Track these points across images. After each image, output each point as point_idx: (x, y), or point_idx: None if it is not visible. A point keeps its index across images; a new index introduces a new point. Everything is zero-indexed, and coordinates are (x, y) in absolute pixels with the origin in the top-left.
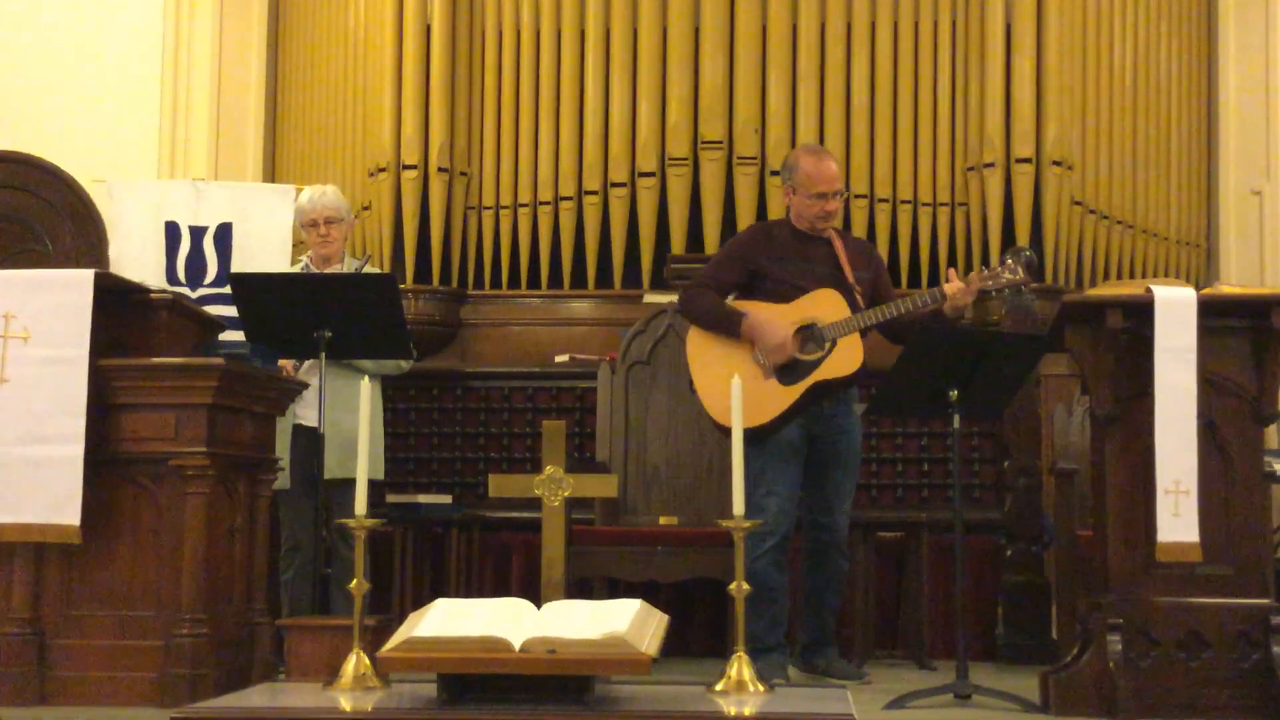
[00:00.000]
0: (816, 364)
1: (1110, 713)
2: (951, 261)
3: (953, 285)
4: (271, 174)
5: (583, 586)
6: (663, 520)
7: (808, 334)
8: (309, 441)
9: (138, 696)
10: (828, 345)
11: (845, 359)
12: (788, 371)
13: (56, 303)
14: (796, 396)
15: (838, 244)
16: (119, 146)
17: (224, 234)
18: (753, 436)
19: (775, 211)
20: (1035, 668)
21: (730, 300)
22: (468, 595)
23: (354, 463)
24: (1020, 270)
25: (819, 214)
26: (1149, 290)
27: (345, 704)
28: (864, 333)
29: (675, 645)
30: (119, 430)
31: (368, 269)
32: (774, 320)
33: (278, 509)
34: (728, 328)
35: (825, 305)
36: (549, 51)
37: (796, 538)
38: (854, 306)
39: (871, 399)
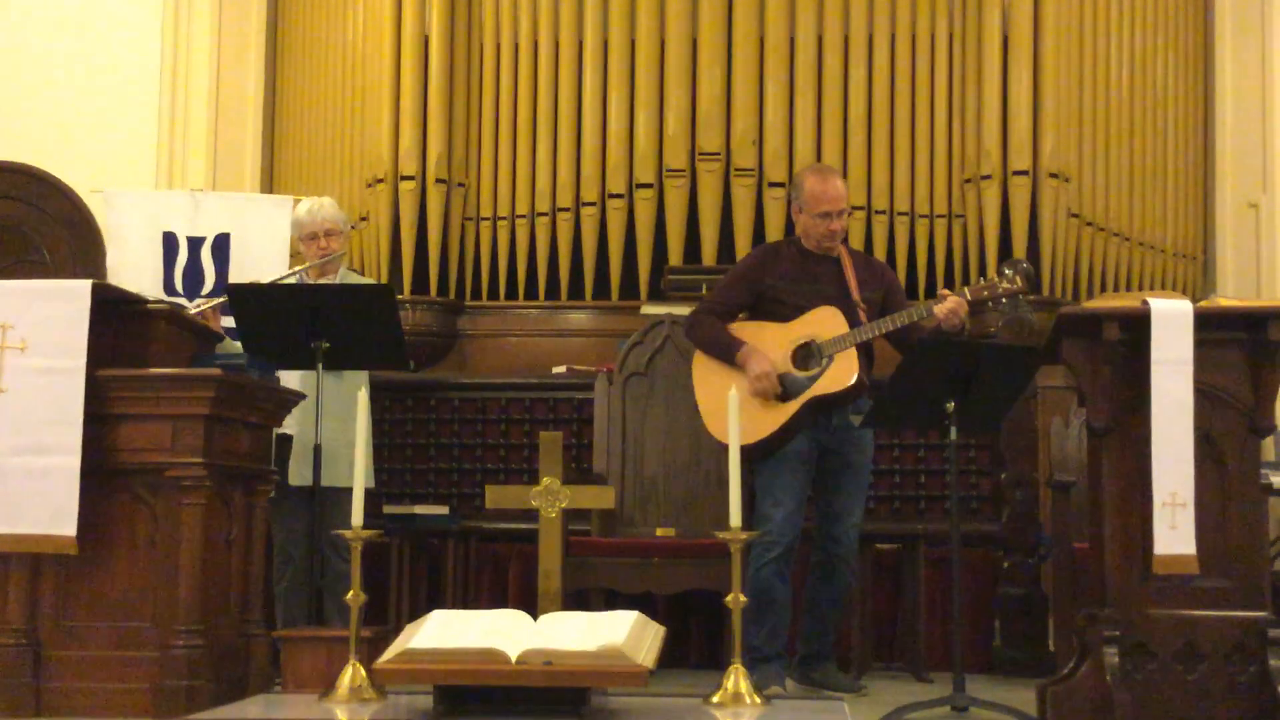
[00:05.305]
0: (813, 380)
1: None
2: (949, 273)
3: (945, 305)
4: (269, 185)
5: (579, 598)
6: (660, 532)
7: (806, 351)
8: (282, 449)
9: (133, 708)
10: (824, 361)
11: (840, 374)
12: (786, 388)
13: (54, 313)
14: (793, 412)
15: (846, 262)
16: (117, 156)
17: (221, 244)
18: (756, 452)
19: (772, 222)
20: (1032, 680)
21: (741, 319)
22: (464, 607)
23: (337, 470)
24: (1018, 280)
25: (824, 233)
26: (1145, 303)
27: (341, 715)
28: (865, 348)
29: (672, 657)
30: (116, 441)
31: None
32: (765, 351)
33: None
34: (726, 355)
35: (824, 322)
36: (547, 63)
37: (802, 549)
38: (855, 323)
39: (869, 411)
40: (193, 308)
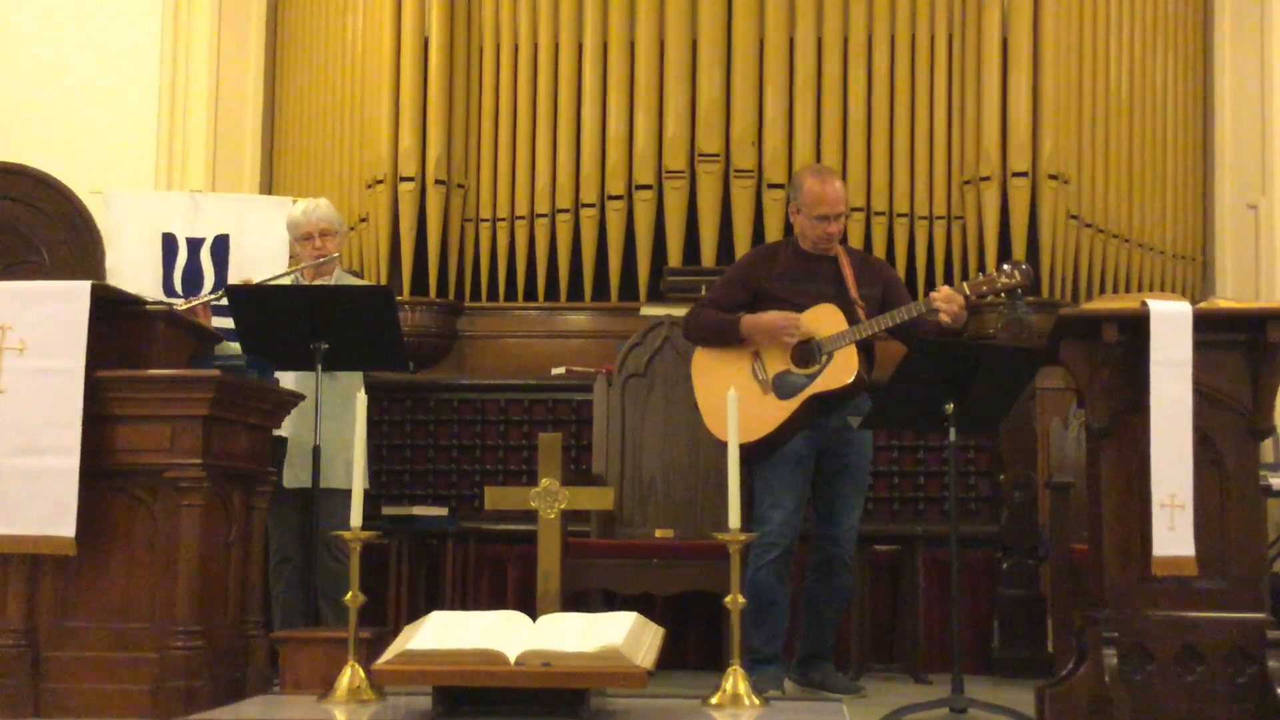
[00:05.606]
0: (813, 377)
1: None
2: (948, 274)
3: (939, 294)
4: (269, 186)
5: (578, 599)
6: (659, 533)
7: (805, 348)
8: (276, 451)
9: (132, 709)
10: (823, 359)
11: (840, 371)
12: (785, 386)
13: (53, 314)
14: (793, 409)
15: (844, 261)
16: (116, 157)
17: (221, 245)
18: (757, 450)
19: (771, 224)
20: (1031, 681)
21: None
22: (463, 608)
23: (334, 472)
24: (1017, 274)
25: (821, 235)
26: (1144, 304)
27: (340, 716)
28: (865, 347)
29: (671, 658)
30: (114, 442)
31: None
32: (767, 312)
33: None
34: (729, 334)
35: (823, 320)
36: (546, 64)
37: (801, 550)
38: (853, 321)
39: (868, 413)
40: (182, 304)
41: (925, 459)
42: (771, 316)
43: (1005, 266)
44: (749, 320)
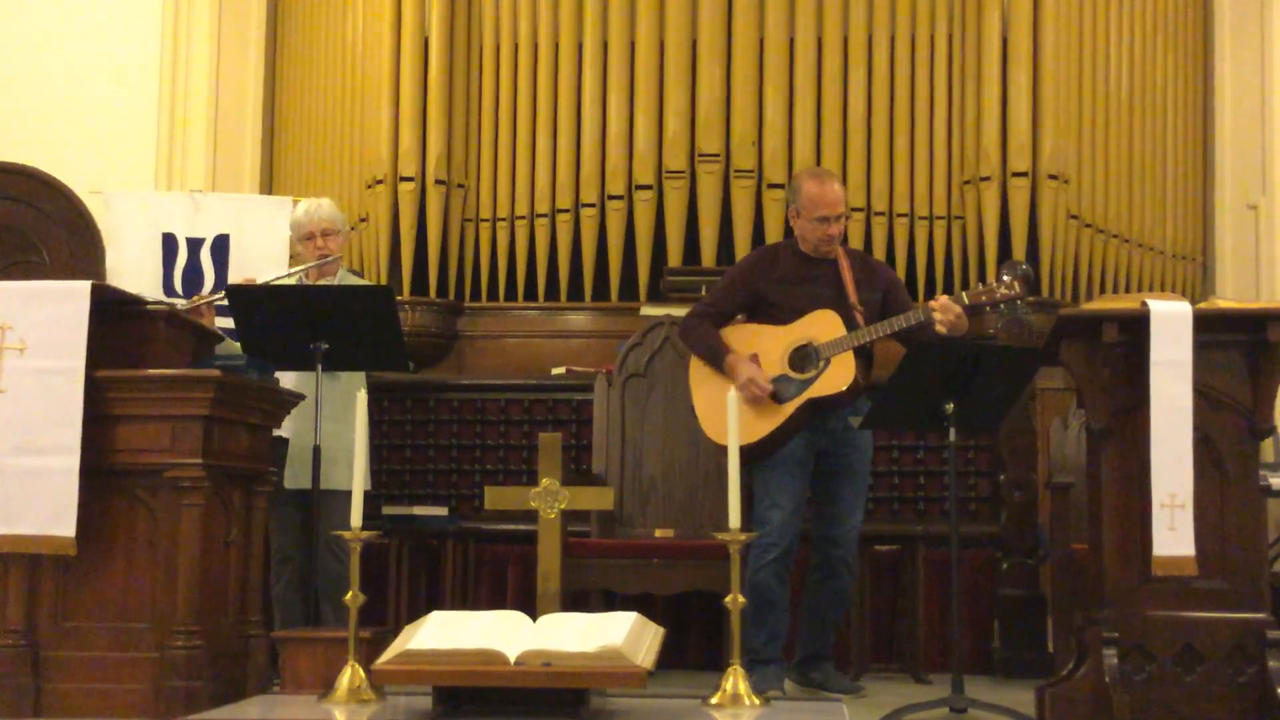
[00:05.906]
0: (809, 382)
1: None
2: (948, 274)
3: (936, 304)
4: (269, 186)
5: (578, 599)
6: (659, 533)
7: (803, 353)
8: (276, 451)
9: (132, 709)
10: (821, 364)
11: (837, 377)
12: (783, 390)
13: (53, 314)
14: (789, 414)
15: (844, 265)
16: (116, 158)
17: (221, 245)
18: (754, 453)
19: (772, 224)
20: (1031, 681)
21: (739, 320)
22: (463, 608)
23: (335, 473)
24: (1016, 284)
25: (822, 237)
26: (1144, 304)
27: (340, 716)
28: (862, 351)
29: (671, 658)
30: (115, 441)
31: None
32: (763, 352)
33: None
34: (715, 362)
35: (822, 325)
36: (546, 64)
37: (802, 551)
38: (852, 326)
39: (867, 412)
40: (186, 303)
41: (925, 459)
42: (744, 372)
43: (1005, 277)
44: (731, 362)
